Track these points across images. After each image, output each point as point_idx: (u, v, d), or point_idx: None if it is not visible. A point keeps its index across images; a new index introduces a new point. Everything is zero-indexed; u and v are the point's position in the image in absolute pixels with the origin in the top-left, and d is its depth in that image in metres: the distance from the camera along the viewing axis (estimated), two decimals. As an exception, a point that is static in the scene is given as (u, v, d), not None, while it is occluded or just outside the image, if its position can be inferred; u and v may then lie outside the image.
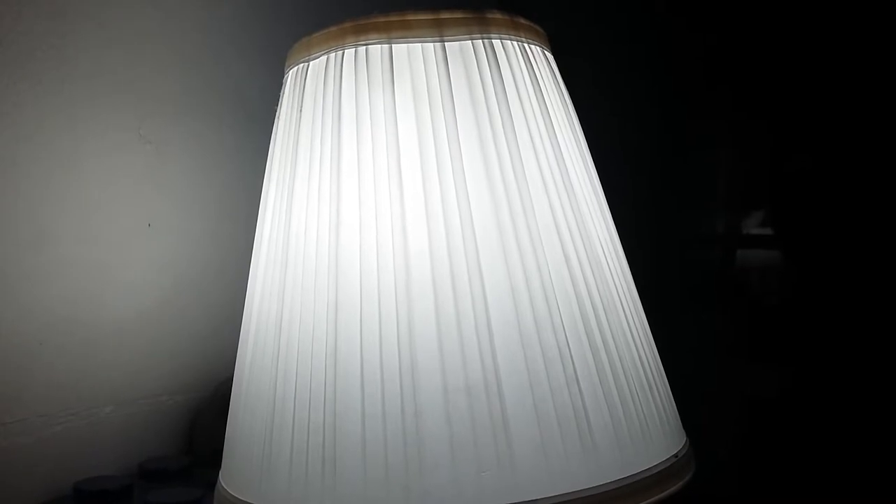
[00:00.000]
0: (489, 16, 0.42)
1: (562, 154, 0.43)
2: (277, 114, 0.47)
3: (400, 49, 0.41)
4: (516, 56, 0.43)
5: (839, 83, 0.88)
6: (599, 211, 0.45)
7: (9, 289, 0.58)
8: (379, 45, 0.41)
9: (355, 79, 0.41)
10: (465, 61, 0.41)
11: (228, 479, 0.44)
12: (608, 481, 0.38)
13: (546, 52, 0.46)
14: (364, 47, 0.42)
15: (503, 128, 0.41)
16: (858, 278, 0.88)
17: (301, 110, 0.44)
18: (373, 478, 0.37)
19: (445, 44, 0.41)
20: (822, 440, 0.87)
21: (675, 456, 0.42)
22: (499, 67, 0.42)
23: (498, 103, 0.41)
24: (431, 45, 0.41)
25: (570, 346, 0.39)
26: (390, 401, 0.37)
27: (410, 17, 0.41)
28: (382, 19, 0.41)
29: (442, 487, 0.37)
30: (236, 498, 0.42)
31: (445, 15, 0.41)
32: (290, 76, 0.46)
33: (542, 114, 0.43)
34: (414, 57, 0.41)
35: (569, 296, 0.40)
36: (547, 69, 0.45)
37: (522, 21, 0.44)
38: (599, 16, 1.00)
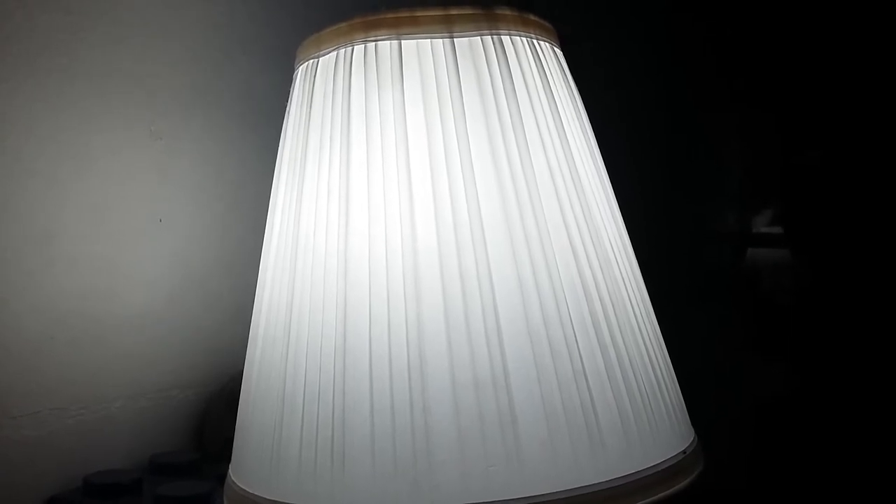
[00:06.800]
0: (498, 12, 0.42)
1: (570, 149, 0.43)
2: (287, 110, 0.47)
3: (409, 45, 0.41)
4: (525, 52, 0.43)
5: (850, 79, 0.88)
6: (608, 206, 0.45)
7: (20, 284, 0.59)
8: (388, 41, 0.41)
9: (364, 75, 0.41)
10: (474, 57, 0.41)
11: (238, 473, 0.44)
12: (616, 477, 0.38)
13: (555, 48, 0.46)
14: (373, 43, 0.42)
15: (512, 124, 0.41)
16: (868, 276, 0.87)
17: (311, 106, 0.44)
18: (381, 472, 0.37)
19: (455, 40, 0.41)
20: (829, 437, 0.87)
21: (684, 452, 0.42)
22: (508, 63, 0.42)
23: (507, 99, 0.41)
24: (441, 40, 0.41)
25: (578, 340, 0.39)
26: (399, 395, 0.38)
27: (420, 13, 0.41)
28: (392, 15, 0.41)
29: (450, 482, 0.37)
30: (246, 491, 0.42)
31: (455, 11, 0.41)
32: (300, 72, 0.46)
33: (550, 110, 0.43)
34: (423, 53, 0.41)
35: (577, 291, 0.40)
36: (556, 65, 0.45)
37: (532, 17, 0.44)
38: (610, 9, 1.00)
